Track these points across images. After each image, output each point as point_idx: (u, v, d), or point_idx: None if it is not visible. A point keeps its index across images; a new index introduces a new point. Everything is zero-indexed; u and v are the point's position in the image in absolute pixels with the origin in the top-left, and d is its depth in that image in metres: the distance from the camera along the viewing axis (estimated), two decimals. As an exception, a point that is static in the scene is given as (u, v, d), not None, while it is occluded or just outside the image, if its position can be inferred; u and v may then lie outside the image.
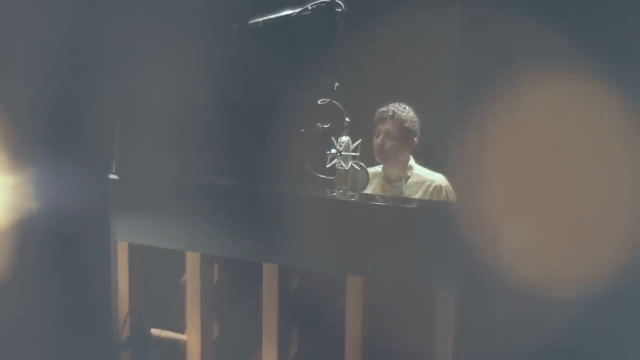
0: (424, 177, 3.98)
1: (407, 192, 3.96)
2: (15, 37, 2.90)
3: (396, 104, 3.94)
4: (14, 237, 2.98)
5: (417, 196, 3.93)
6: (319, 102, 3.18)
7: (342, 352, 2.91)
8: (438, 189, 3.93)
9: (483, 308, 2.71)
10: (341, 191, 3.12)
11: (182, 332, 3.30)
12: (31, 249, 3.01)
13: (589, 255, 2.58)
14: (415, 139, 3.97)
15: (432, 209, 3.23)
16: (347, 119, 3.18)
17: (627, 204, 2.61)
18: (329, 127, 3.17)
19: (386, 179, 4.01)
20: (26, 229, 2.98)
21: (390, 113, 3.91)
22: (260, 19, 3.23)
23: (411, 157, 4.01)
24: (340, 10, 3.14)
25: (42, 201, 3.04)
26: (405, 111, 3.93)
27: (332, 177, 3.18)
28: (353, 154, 3.16)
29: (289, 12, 3.20)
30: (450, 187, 3.93)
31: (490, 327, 2.68)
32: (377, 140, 3.92)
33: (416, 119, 3.95)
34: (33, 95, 2.99)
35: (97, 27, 3.07)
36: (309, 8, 3.17)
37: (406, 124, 3.91)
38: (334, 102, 3.16)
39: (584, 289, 2.60)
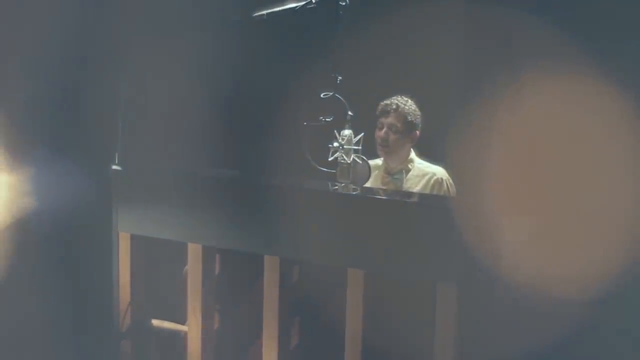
0: (425, 169, 4.00)
1: (407, 185, 3.98)
2: (18, 33, 2.90)
3: (399, 97, 3.96)
4: (16, 228, 2.98)
5: (418, 189, 3.94)
6: (321, 96, 3.18)
7: (342, 345, 2.92)
8: (439, 181, 3.95)
9: (483, 302, 2.73)
10: (343, 184, 3.13)
11: (183, 324, 3.31)
12: (33, 240, 3.02)
13: (589, 251, 2.60)
14: (417, 132, 3.98)
15: (433, 202, 3.24)
16: (349, 113, 3.18)
17: (627, 202, 2.63)
18: (331, 120, 3.17)
19: (387, 171, 4.02)
20: (28, 220, 2.99)
21: (394, 106, 3.93)
22: (264, 12, 3.23)
23: (412, 150, 4.03)
24: (344, 3, 3.15)
25: (45, 192, 3.05)
26: (408, 104, 3.95)
27: (334, 171, 3.19)
28: (355, 147, 3.17)
29: (293, 5, 3.20)
30: (451, 180, 3.95)
31: (490, 320, 2.70)
32: (381, 133, 3.93)
33: (418, 112, 3.97)
34: (37, 87, 3.00)
35: (97, 21, 3.07)
36: (313, 1, 3.17)
37: (409, 117, 3.93)
38: (336, 95, 3.16)
39: (583, 285, 2.62)
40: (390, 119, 3.93)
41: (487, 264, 2.66)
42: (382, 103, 3.96)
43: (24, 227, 2.99)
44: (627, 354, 2.75)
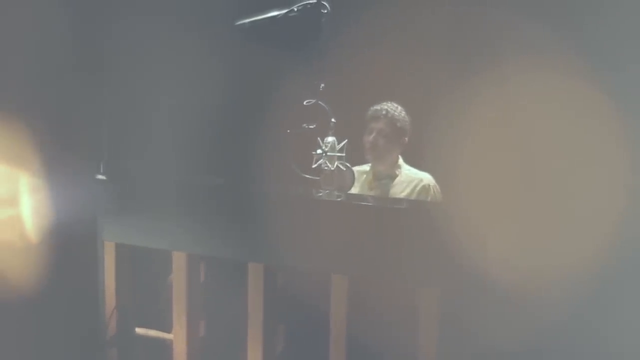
0: (412, 176, 4.01)
1: (394, 191, 3.99)
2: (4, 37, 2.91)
3: (389, 103, 3.98)
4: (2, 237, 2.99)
5: (405, 195, 3.96)
6: (304, 103, 3.20)
7: (326, 350, 2.93)
8: (425, 187, 3.97)
9: (467, 306, 2.74)
10: (327, 191, 3.14)
11: (169, 332, 3.32)
12: (19, 249, 3.03)
13: (574, 254, 2.61)
14: (406, 138, 4.00)
15: (416, 207, 3.25)
16: (332, 120, 3.20)
17: (613, 204, 2.63)
18: (314, 127, 3.18)
19: (375, 177, 4.04)
20: (14, 229, 3.00)
21: (384, 112, 3.95)
22: (247, 20, 3.24)
23: (400, 156, 4.04)
24: (326, 11, 3.16)
25: (30, 202, 3.06)
26: (397, 110, 3.97)
27: (318, 178, 3.20)
28: (339, 154, 3.18)
29: (275, 13, 3.22)
30: (438, 187, 3.97)
31: (474, 324, 2.70)
32: (369, 138, 3.96)
33: (407, 119, 3.99)
34: (20, 95, 3.01)
35: (82, 29, 3.08)
36: (295, 9, 3.19)
37: (398, 124, 3.96)
38: (319, 102, 3.18)
39: (567, 288, 2.62)
40: (380, 124, 3.95)
41: (472, 269, 2.66)
42: (371, 108, 3.99)
43: (6, 236, 2.99)
44: (613, 355, 2.75)
